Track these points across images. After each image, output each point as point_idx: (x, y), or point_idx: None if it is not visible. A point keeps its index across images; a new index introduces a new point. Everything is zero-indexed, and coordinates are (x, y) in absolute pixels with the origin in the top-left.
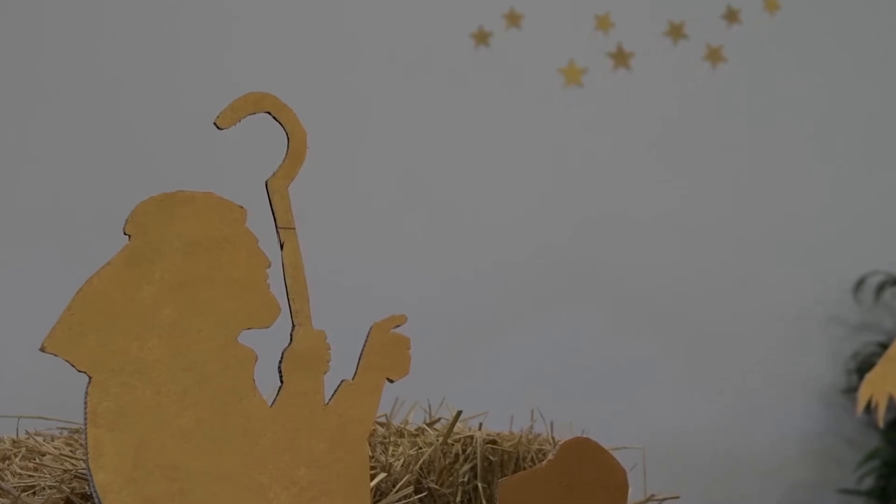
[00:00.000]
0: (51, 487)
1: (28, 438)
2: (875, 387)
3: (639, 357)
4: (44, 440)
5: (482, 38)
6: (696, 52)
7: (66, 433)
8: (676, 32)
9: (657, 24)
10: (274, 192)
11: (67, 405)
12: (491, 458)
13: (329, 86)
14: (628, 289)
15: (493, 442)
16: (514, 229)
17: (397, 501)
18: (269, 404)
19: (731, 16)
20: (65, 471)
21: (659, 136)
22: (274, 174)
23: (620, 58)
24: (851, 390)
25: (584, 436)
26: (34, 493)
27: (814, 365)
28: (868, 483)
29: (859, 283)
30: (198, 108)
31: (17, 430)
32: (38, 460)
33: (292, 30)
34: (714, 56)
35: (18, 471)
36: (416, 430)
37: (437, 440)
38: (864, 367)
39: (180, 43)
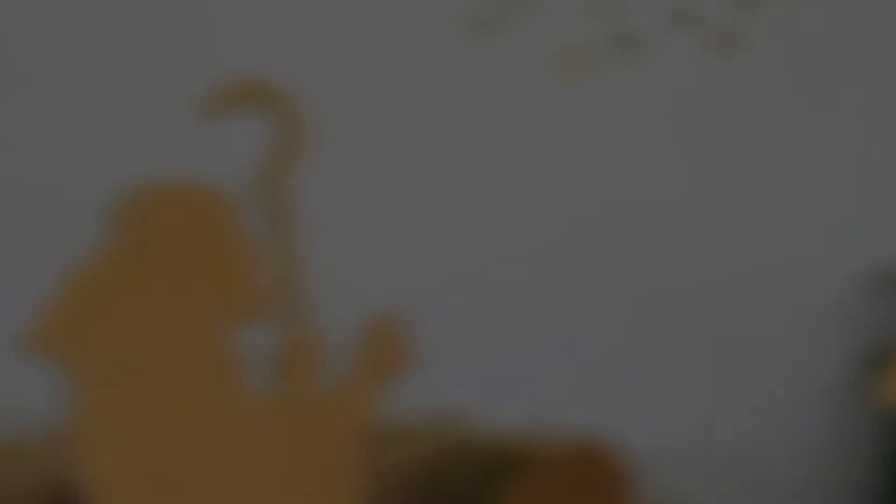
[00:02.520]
0: (33, 489)
1: (10, 439)
2: (891, 384)
3: (644, 356)
4: (25, 440)
5: (483, 23)
6: (709, 34)
7: (49, 433)
8: (687, 14)
9: (666, 5)
10: (269, 182)
11: (51, 404)
12: (495, 459)
13: (324, 76)
14: (633, 286)
15: (497, 443)
16: (515, 227)
17: None
18: (264, 403)
19: None
20: (49, 473)
21: (663, 127)
22: (269, 164)
23: (627, 42)
24: (866, 388)
25: (591, 438)
26: (17, 495)
27: (827, 362)
28: (880, 484)
29: (875, 277)
30: (189, 93)
31: None
32: (19, 461)
33: (285, 16)
34: (728, 38)
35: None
36: (417, 430)
37: (438, 441)
38: (880, 363)
39: (171, 32)
